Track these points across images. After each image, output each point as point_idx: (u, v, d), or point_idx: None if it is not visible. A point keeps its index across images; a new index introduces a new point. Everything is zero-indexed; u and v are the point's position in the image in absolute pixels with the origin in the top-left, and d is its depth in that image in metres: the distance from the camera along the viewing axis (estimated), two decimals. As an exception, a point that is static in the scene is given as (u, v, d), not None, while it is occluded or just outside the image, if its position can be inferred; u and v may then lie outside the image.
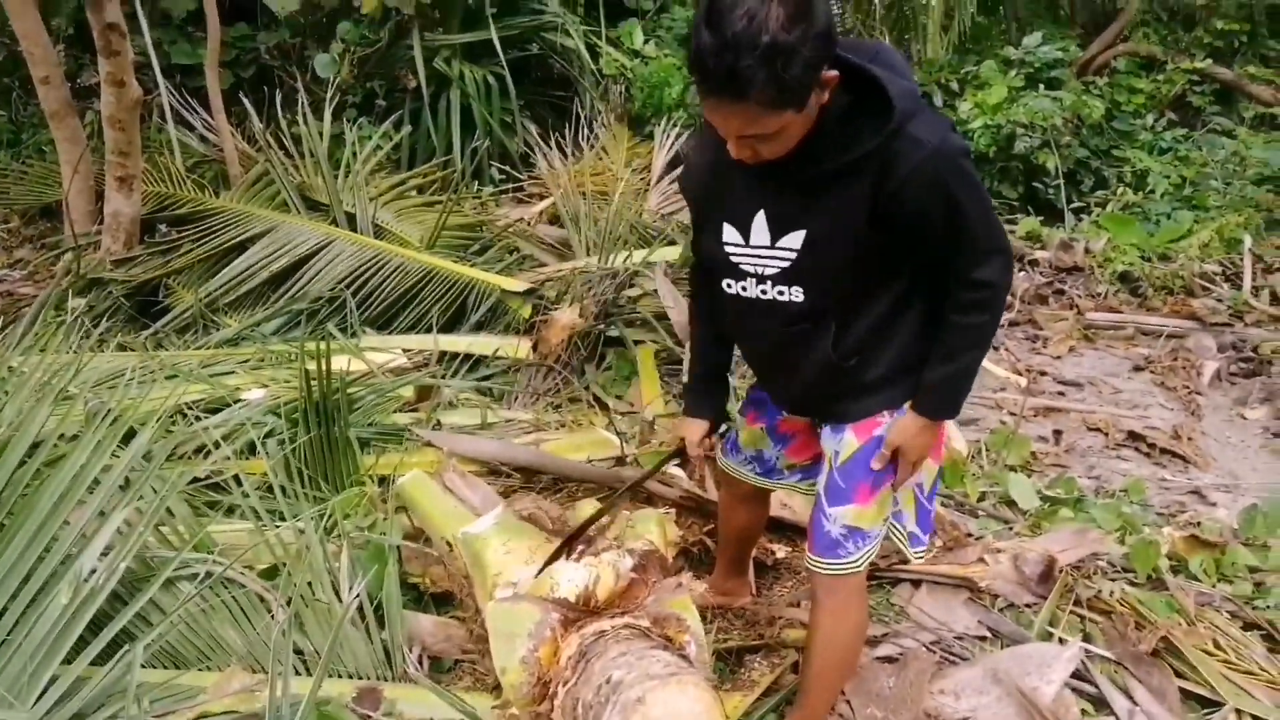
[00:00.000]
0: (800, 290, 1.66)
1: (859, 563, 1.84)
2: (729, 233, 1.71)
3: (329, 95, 5.76)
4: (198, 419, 2.89)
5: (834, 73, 1.45)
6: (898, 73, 1.55)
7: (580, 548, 2.20)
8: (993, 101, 7.08)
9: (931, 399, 1.73)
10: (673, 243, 4.68)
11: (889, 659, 2.30)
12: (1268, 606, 2.59)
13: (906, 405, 1.76)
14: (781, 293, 1.68)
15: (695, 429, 2.05)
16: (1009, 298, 5.30)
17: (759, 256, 1.68)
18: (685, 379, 2.20)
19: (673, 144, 6.25)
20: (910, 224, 1.56)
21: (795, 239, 1.62)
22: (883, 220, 1.55)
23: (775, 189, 1.62)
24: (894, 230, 1.57)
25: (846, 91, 1.52)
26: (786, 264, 1.65)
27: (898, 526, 1.90)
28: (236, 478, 2.51)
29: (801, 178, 1.57)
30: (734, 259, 1.71)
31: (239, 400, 3.13)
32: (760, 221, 1.65)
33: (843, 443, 1.80)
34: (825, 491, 1.85)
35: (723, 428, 2.13)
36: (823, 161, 1.54)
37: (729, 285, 1.75)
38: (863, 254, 1.61)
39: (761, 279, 1.69)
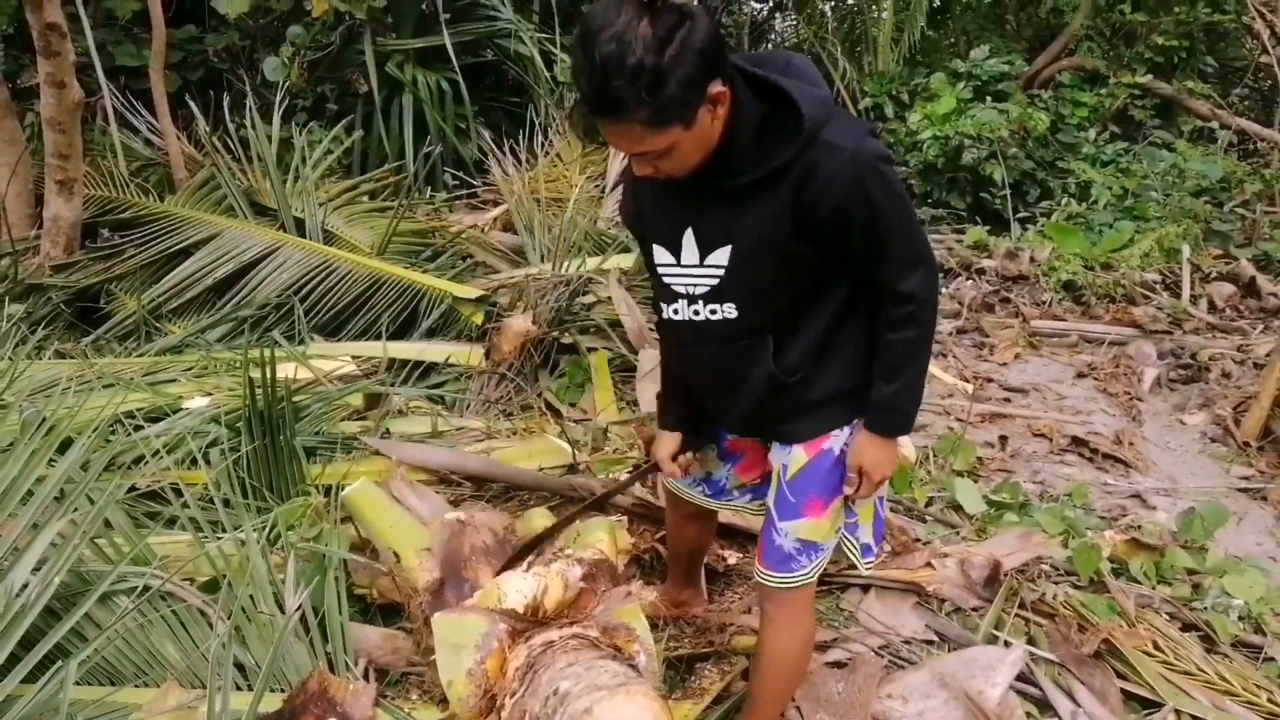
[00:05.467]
0: (733, 306, 1.65)
1: (810, 574, 1.84)
2: (660, 254, 1.69)
3: (278, 99, 5.67)
4: (138, 428, 2.82)
5: (722, 88, 1.43)
6: (809, 82, 1.55)
7: (530, 558, 2.18)
8: (941, 113, 7.22)
9: (882, 418, 1.73)
10: (627, 250, 4.68)
11: (838, 664, 2.32)
12: (1205, 607, 2.66)
13: (858, 423, 1.75)
14: (714, 311, 1.66)
15: (666, 444, 1.98)
16: (958, 306, 5.49)
17: (690, 275, 1.66)
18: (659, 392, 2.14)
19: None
20: (833, 231, 1.54)
21: (723, 255, 1.61)
22: (806, 230, 1.54)
23: (701, 205, 1.61)
24: (819, 239, 1.56)
25: (760, 104, 1.51)
26: (716, 281, 1.63)
27: (850, 538, 1.89)
28: (177, 488, 2.45)
29: (722, 191, 1.56)
30: (666, 279, 1.70)
31: (181, 409, 3.06)
32: (689, 239, 1.63)
33: (791, 457, 1.79)
34: (775, 506, 1.83)
35: (698, 448, 2.04)
36: (741, 174, 1.54)
37: (663, 309, 1.74)
38: (792, 266, 1.60)
39: (692, 299, 1.67)
